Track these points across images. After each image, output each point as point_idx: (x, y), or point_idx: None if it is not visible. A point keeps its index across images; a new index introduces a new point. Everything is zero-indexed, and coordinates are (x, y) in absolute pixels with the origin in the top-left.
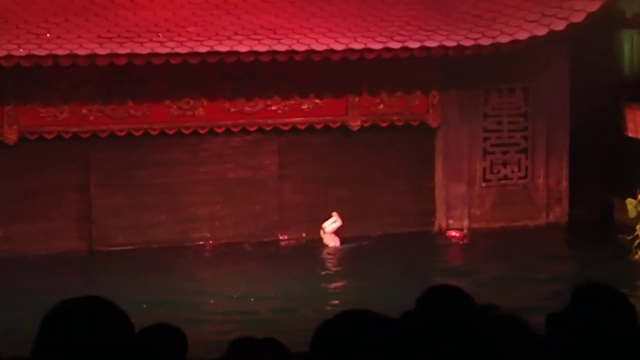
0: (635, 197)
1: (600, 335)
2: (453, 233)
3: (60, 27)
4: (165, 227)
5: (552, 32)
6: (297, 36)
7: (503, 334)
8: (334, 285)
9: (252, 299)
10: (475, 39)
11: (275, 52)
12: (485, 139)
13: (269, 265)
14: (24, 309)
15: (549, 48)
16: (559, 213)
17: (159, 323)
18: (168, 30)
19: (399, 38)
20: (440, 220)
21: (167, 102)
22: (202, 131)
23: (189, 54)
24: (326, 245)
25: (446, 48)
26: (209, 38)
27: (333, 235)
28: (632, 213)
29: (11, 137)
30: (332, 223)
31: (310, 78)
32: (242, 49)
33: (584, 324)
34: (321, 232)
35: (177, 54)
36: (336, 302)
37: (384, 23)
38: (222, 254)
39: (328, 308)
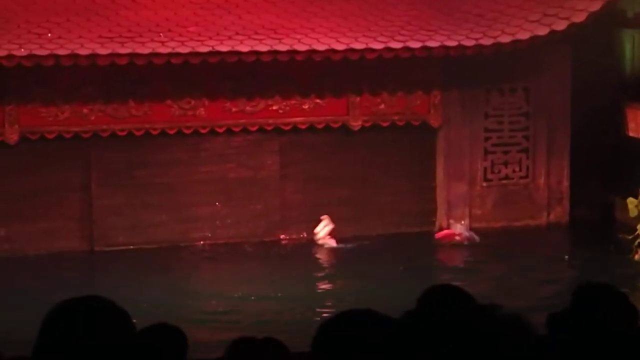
0: (636, 197)
1: (601, 335)
2: (444, 233)
3: (61, 27)
4: (166, 226)
5: (553, 32)
6: (298, 36)
7: (504, 333)
8: (334, 285)
9: (252, 299)
10: (476, 39)
11: (276, 52)
12: (487, 139)
13: (270, 265)
14: (24, 308)
15: (550, 48)
16: (560, 213)
17: (159, 323)
18: (169, 30)
19: (400, 38)
20: (441, 220)
21: (168, 101)
22: (203, 131)
23: (190, 53)
24: (323, 246)
25: (447, 48)
26: (210, 38)
27: (328, 237)
28: (633, 213)
29: (12, 136)
30: (323, 227)
31: (311, 78)
32: (243, 48)
33: (585, 324)
34: (314, 237)
35: (178, 54)
36: (336, 302)
37: (385, 23)
38: (223, 254)
39: (328, 308)
